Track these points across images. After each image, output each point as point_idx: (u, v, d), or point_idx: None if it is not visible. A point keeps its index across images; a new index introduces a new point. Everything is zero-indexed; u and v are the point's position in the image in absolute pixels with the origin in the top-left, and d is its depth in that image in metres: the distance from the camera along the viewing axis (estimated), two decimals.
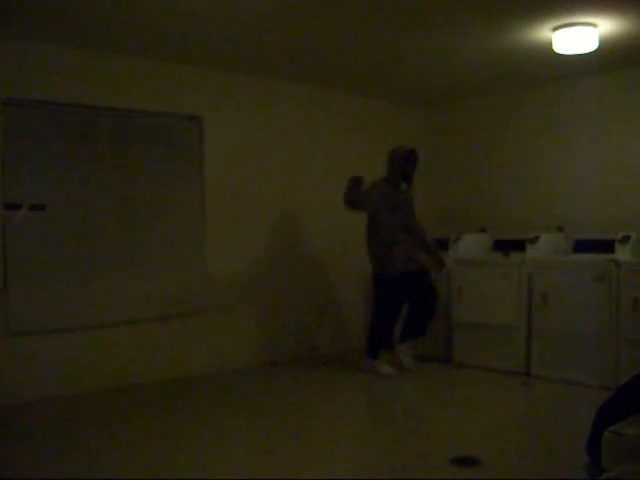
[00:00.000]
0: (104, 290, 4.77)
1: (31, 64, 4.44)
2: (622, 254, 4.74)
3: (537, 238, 5.25)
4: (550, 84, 5.78)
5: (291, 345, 5.80)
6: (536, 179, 5.95)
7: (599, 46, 4.44)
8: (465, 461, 3.23)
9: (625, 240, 4.80)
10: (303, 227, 5.88)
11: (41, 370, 4.46)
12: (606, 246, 4.91)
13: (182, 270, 5.17)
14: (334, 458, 3.40)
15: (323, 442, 3.66)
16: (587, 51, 4.50)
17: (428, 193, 6.76)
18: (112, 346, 4.79)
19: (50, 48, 4.50)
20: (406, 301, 5.22)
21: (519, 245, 5.37)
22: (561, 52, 4.53)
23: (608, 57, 4.90)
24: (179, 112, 5.16)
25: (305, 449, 3.51)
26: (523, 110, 6.07)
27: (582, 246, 5.17)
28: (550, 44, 4.49)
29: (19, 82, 4.41)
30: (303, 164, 5.91)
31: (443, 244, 6.01)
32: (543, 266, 5.03)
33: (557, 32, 4.31)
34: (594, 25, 4.22)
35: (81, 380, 4.62)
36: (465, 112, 6.55)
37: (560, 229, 5.45)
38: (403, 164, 5.13)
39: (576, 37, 4.29)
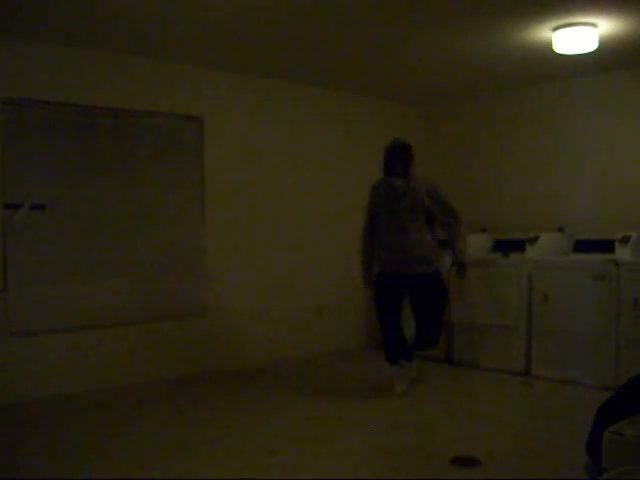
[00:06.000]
0: (104, 290, 4.77)
1: (31, 64, 4.44)
2: (622, 254, 4.74)
3: (537, 238, 5.25)
4: (550, 84, 5.77)
5: (292, 345, 5.80)
6: (536, 179, 5.95)
7: (599, 46, 4.44)
8: (465, 461, 3.23)
9: (625, 240, 4.80)
10: (303, 226, 5.88)
11: (41, 370, 4.46)
12: (606, 246, 4.91)
13: (182, 270, 5.17)
14: (334, 458, 3.40)
15: (323, 442, 3.66)
16: (587, 51, 4.50)
17: None
18: (112, 346, 4.79)
19: (50, 48, 4.50)
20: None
21: (519, 245, 5.37)
22: (561, 52, 4.53)
23: (608, 57, 4.90)
24: (179, 112, 5.16)
25: (305, 450, 3.51)
26: (523, 110, 6.06)
27: (582, 246, 5.17)
28: (550, 44, 4.49)
29: (19, 82, 4.41)
30: (303, 164, 5.91)
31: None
32: (543, 266, 5.03)
33: (557, 32, 4.31)
34: (594, 25, 4.22)
35: (81, 380, 4.62)
36: (465, 112, 6.55)
37: (560, 229, 5.44)
38: (385, 162, 4.60)
39: (576, 37, 4.29)
